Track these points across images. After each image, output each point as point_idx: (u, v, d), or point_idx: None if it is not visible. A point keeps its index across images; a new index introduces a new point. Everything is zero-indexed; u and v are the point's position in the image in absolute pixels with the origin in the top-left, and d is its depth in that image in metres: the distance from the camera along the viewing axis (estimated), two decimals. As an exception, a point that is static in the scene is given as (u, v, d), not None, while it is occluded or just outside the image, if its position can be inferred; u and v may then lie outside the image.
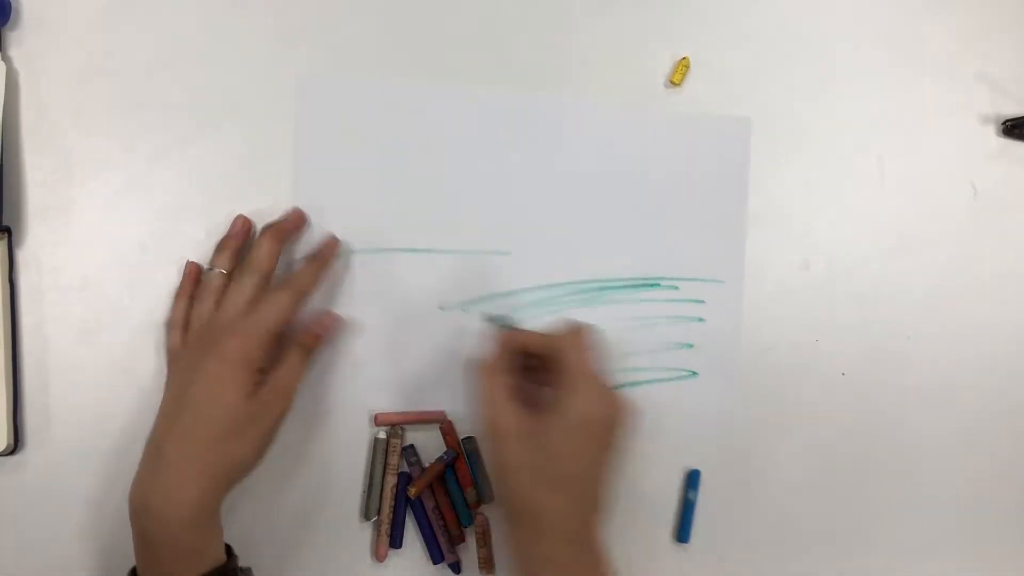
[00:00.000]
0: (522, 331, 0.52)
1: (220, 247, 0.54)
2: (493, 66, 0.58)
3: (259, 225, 0.56)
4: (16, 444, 0.54)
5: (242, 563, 0.50)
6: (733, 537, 0.59)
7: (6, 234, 0.54)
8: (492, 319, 0.54)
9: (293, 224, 0.55)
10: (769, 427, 0.59)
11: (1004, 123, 0.61)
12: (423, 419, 0.56)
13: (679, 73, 0.58)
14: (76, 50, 0.55)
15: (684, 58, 0.59)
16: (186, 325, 0.53)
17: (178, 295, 0.54)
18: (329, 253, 0.55)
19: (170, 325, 0.54)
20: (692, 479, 0.58)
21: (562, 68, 0.58)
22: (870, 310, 0.60)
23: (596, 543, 0.49)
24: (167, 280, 0.55)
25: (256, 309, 0.50)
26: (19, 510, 0.54)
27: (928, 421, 0.60)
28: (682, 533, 0.58)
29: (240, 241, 0.54)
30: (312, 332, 0.53)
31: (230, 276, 0.53)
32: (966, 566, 0.60)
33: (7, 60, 0.54)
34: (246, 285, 0.51)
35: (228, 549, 0.50)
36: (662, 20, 0.59)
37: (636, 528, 0.58)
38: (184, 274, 0.55)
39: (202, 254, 0.55)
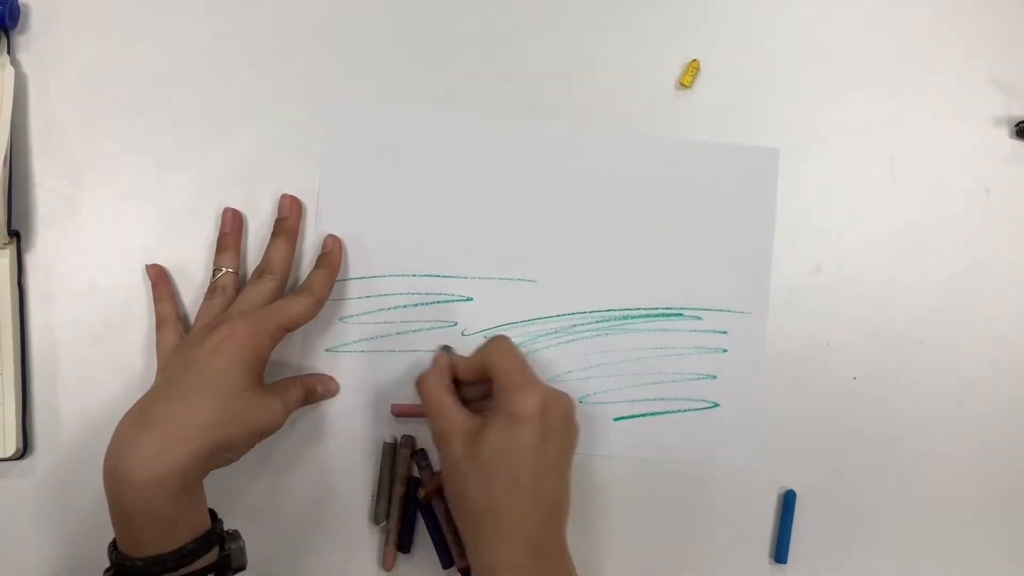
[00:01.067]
0: (457, 355, 0.53)
1: (221, 246, 0.54)
2: (500, 73, 0.58)
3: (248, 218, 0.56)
4: (25, 449, 0.54)
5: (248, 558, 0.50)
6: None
7: (15, 238, 0.54)
8: (442, 347, 0.55)
9: (298, 218, 0.55)
10: (781, 427, 0.59)
11: (1017, 125, 0.60)
12: None
13: (689, 75, 0.58)
14: (85, 54, 0.55)
15: (694, 60, 0.58)
16: (178, 321, 0.53)
17: (160, 296, 0.54)
18: (337, 259, 0.55)
19: (161, 322, 0.53)
20: (788, 500, 0.58)
21: (570, 74, 0.58)
22: (882, 313, 0.60)
23: (558, 544, 0.49)
24: (175, 284, 0.55)
25: (273, 305, 0.50)
26: (28, 514, 0.54)
27: (941, 425, 0.60)
28: (779, 553, 0.58)
29: (238, 236, 0.55)
30: (315, 387, 0.54)
31: (236, 273, 0.54)
32: (981, 571, 0.60)
33: (16, 64, 0.54)
34: (266, 287, 0.52)
35: (212, 513, 0.48)
36: (672, 23, 0.59)
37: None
38: (152, 278, 0.54)
39: (209, 258, 0.55)
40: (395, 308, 0.56)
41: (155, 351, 0.53)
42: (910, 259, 0.60)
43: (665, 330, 0.58)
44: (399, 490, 0.55)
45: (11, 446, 0.53)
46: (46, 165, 0.55)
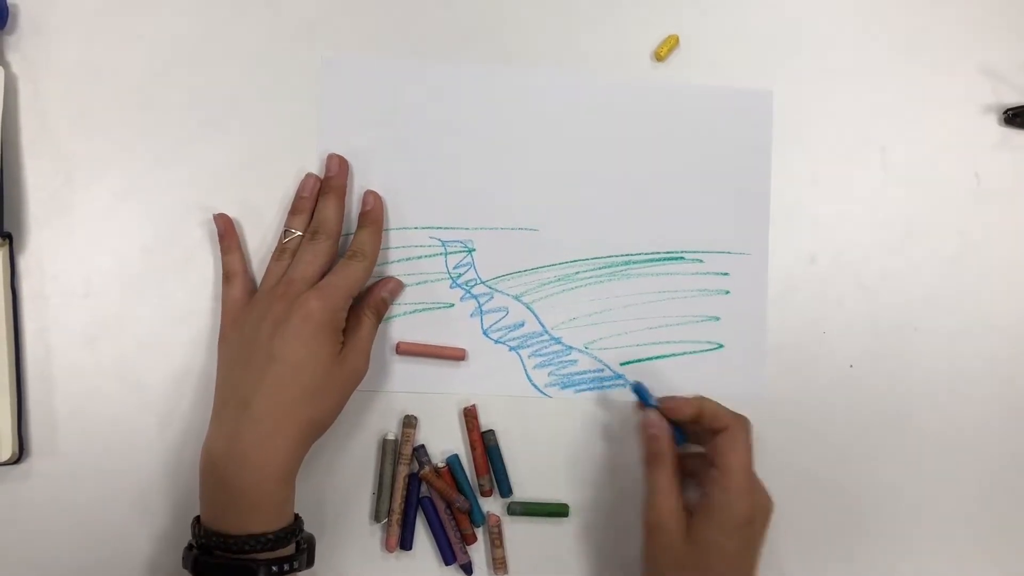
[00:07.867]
0: (677, 401, 0.52)
1: (295, 209, 0.55)
2: (492, 23, 0.58)
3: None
4: (21, 453, 0.53)
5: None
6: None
7: (7, 240, 0.53)
8: (637, 390, 0.54)
9: (345, 176, 0.56)
10: (779, 418, 0.59)
11: (1005, 112, 0.61)
12: (444, 354, 0.56)
13: (665, 47, 0.58)
14: (74, 54, 0.55)
15: (672, 36, 0.58)
16: (246, 275, 0.54)
17: (227, 248, 0.55)
18: (379, 215, 0.56)
19: (229, 275, 0.54)
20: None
21: (545, 38, 0.58)
22: (877, 301, 0.60)
23: None
24: (171, 284, 0.55)
25: (336, 274, 0.52)
26: (24, 519, 0.54)
27: (936, 411, 0.60)
28: None
29: (313, 201, 0.55)
30: (381, 297, 0.54)
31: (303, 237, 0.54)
32: (977, 558, 0.60)
33: (5, 65, 0.54)
34: (321, 247, 0.53)
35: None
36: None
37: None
38: (220, 229, 0.55)
39: (205, 257, 0.55)
40: (398, 261, 0.57)
41: (156, 353, 0.54)
42: (904, 246, 0.60)
43: (667, 274, 0.59)
44: (402, 471, 0.55)
45: (7, 451, 0.52)
46: (38, 166, 0.54)
